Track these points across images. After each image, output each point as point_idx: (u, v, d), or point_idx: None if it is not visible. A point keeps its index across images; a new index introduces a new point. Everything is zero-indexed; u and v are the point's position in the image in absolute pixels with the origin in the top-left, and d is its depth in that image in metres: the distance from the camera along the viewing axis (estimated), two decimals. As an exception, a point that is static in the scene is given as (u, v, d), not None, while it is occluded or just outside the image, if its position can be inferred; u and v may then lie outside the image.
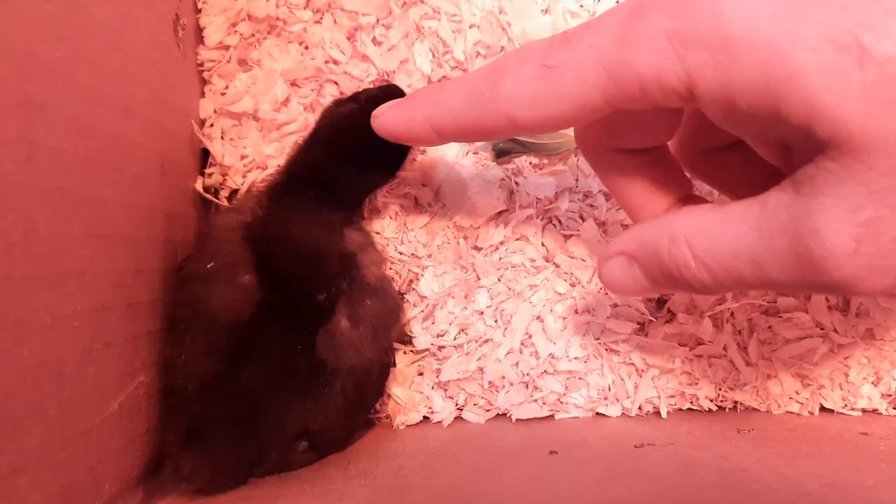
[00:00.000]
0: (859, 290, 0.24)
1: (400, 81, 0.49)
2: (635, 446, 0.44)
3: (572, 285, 0.50)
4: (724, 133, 0.28)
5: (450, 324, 0.49)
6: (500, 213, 0.49)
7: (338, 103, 0.45)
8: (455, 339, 0.49)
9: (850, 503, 0.36)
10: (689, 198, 0.35)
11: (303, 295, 0.39)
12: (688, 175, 0.36)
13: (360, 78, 0.50)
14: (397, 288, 0.50)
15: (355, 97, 0.45)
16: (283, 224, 0.41)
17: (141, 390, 0.35)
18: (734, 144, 0.34)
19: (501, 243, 0.49)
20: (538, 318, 0.49)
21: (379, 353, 0.42)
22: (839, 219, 0.23)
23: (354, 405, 0.42)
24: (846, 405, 0.49)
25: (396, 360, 0.50)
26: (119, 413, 0.33)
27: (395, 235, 0.50)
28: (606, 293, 0.49)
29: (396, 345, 0.50)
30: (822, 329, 0.49)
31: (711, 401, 0.50)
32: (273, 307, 0.38)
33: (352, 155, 0.43)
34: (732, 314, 0.49)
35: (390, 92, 0.45)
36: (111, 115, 0.33)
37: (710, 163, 0.36)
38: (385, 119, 0.36)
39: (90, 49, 0.31)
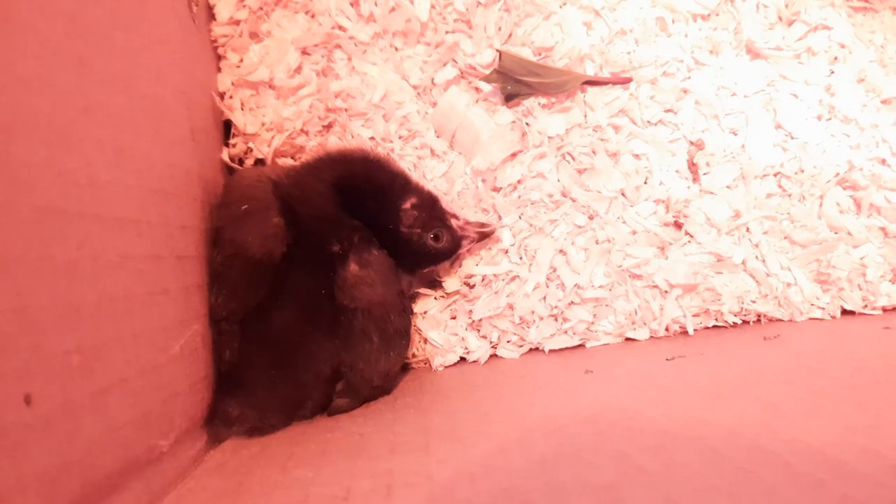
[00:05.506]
0: None
1: (405, 39, 0.51)
2: (667, 359, 0.46)
3: (590, 217, 0.51)
4: None
5: (476, 265, 0.51)
6: (515, 153, 0.51)
7: None
8: (483, 279, 0.51)
9: (878, 384, 0.38)
10: None
11: (321, 246, 0.43)
12: None
13: (366, 42, 0.52)
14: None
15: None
16: (307, 195, 0.44)
17: (197, 338, 0.38)
18: None
19: (519, 182, 0.51)
20: (561, 251, 0.51)
21: (392, 296, 0.44)
22: None
23: (380, 342, 0.44)
24: (867, 305, 0.51)
25: (428, 307, 0.52)
26: (181, 355, 0.35)
27: (416, 187, 0.52)
28: (625, 221, 0.51)
29: (426, 290, 0.52)
30: (836, 233, 0.51)
31: (735, 315, 0.51)
32: (299, 254, 0.42)
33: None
34: (748, 229, 0.51)
35: None
36: (146, 78, 0.35)
37: None
38: None
39: (123, 13, 0.33)
